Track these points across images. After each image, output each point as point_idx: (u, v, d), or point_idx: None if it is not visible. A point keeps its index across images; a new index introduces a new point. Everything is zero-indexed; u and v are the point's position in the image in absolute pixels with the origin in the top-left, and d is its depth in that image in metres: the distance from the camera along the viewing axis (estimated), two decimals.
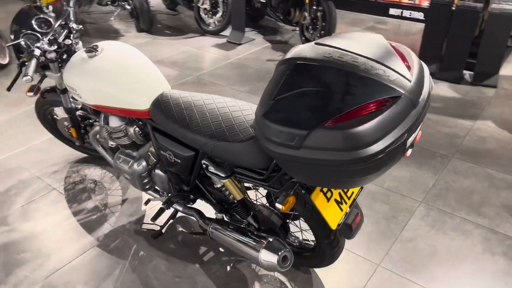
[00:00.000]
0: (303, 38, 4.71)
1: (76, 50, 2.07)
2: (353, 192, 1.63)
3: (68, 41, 2.02)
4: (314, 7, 4.45)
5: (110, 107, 1.86)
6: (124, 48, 1.97)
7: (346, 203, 1.58)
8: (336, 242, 1.72)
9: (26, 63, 1.85)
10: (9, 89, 1.95)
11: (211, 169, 1.68)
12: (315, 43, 1.29)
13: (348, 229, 1.63)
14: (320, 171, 1.21)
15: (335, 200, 1.54)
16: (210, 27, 5.28)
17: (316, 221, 1.62)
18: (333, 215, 1.53)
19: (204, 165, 1.71)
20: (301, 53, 1.25)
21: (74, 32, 2.08)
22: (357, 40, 1.27)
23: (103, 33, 5.41)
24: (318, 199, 1.50)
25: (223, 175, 1.65)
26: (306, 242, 2.01)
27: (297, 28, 4.87)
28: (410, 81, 1.17)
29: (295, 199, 1.50)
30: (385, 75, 1.15)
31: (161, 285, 1.97)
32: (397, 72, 1.18)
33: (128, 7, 5.23)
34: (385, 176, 2.65)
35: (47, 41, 1.91)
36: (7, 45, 2.51)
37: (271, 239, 1.63)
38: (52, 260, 2.09)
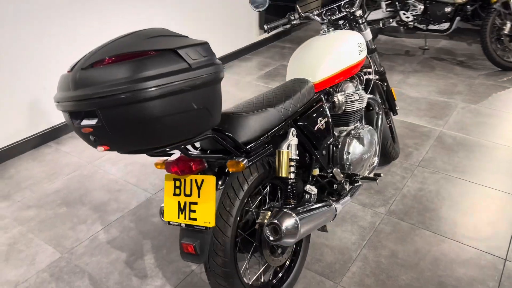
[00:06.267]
0: None
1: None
2: (196, 219, 1.46)
3: (340, 22, 2.25)
4: None
5: None
6: (340, 38, 2.09)
7: (185, 217, 1.48)
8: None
9: (276, 22, 2.11)
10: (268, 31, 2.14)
11: None
12: None
13: (180, 246, 1.50)
14: None
15: (179, 203, 1.48)
16: None
17: None
18: (169, 209, 1.51)
19: None
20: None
21: (350, 17, 2.27)
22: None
23: None
24: (168, 183, 1.50)
25: None
26: None
27: None
28: (70, 71, 1.14)
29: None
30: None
31: None
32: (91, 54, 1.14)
33: None
34: None
35: (316, 14, 2.18)
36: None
37: None
38: None
